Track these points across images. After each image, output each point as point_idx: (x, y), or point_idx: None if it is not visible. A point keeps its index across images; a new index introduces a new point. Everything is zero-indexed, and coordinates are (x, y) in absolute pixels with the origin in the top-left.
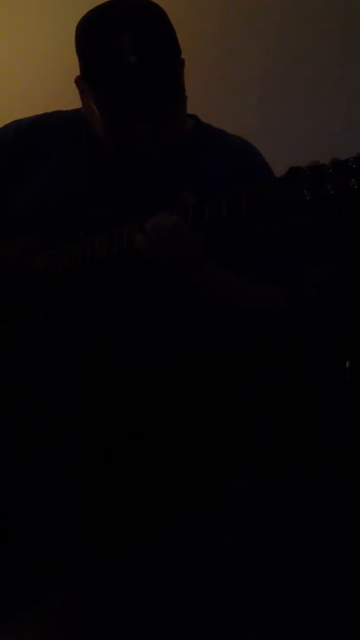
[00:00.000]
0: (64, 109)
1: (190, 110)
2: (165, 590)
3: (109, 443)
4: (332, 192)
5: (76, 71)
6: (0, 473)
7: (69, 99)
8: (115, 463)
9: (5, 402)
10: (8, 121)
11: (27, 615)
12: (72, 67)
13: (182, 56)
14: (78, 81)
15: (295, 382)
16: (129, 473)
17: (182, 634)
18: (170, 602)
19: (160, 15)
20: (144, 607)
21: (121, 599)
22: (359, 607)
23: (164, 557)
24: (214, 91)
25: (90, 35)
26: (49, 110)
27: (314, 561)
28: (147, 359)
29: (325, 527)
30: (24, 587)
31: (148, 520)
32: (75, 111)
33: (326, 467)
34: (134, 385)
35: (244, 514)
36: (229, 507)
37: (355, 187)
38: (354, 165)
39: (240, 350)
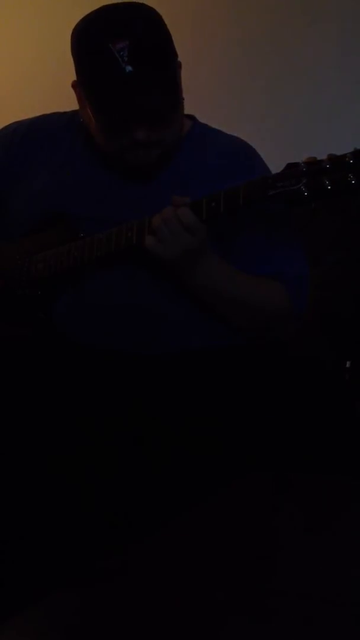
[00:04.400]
0: (62, 110)
1: (189, 110)
2: (165, 590)
3: (110, 443)
4: (329, 187)
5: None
6: (1, 473)
7: (68, 100)
8: (116, 462)
9: (7, 401)
10: (7, 123)
11: (27, 615)
12: (71, 68)
13: (178, 59)
14: (75, 85)
15: (296, 382)
16: (130, 472)
17: (182, 633)
18: (170, 602)
19: (156, 21)
20: (144, 607)
21: (121, 598)
22: (359, 606)
23: (164, 557)
24: (212, 90)
25: (85, 42)
26: (48, 111)
27: (315, 561)
28: (147, 358)
29: (325, 527)
30: (24, 587)
31: (149, 519)
32: (74, 112)
33: (326, 467)
34: (135, 385)
35: (244, 513)
36: (229, 507)
37: (353, 181)
38: (351, 161)
39: (241, 350)
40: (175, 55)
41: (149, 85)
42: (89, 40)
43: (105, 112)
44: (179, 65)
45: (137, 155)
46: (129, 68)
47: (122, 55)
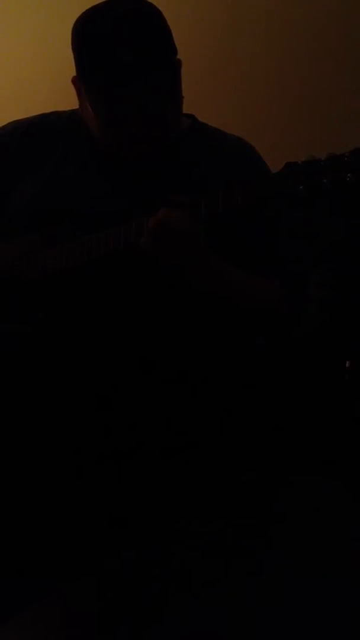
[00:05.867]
0: (61, 109)
1: (189, 109)
2: (165, 589)
3: (108, 444)
4: (328, 186)
5: (74, 71)
6: (0, 473)
7: (67, 100)
8: (116, 464)
9: (5, 402)
10: (5, 122)
11: (27, 615)
12: (70, 67)
13: (179, 57)
14: (75, 81)
15: (296, 382)
16: (130, 473)
17: (181, 632)
18: (169, 601)
19: (156, 16)
20: (144, 607)
21: (121, 599)
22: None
23: (164, 556)
24: (212, 90)
25: (86, 34)
26: (47, 111)
27: (314, 562)
28: (147, 359)
29: (325, 528)
30: (24, 587)
31: (148, 521)
32: (72, 112)
33: (326, 468)
34: (134, 385)
35: (242, 515)
36: (229, 507)
37: (352, 181)
38: (350, 160)
39: (241, 351)
40: (174, 50)
41: (147, 76)
42: (89, 30)
43: (103, 103)
44: (180, 63)
45: (135, 150)
46: (127, 59)
47: (121, 46)
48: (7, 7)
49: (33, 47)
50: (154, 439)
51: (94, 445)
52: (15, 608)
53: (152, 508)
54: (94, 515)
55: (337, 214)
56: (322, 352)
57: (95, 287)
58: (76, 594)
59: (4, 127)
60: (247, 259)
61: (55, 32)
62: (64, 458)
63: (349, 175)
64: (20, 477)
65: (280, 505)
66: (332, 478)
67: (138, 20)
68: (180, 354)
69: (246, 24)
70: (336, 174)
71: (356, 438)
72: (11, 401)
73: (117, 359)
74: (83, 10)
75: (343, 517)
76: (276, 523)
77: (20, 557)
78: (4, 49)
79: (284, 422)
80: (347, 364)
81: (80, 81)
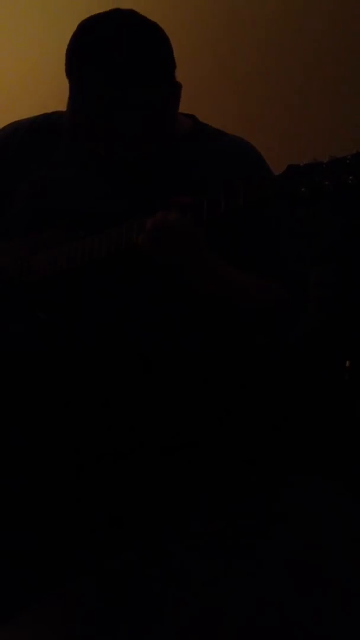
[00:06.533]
0: (62, 109)
1: (190, 110)
2: (164, 590)
3: (108, 444)
4: (330, 188)
5: None
6: (1, 473)
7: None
8: (116, 464)
9: (5, 402)
10: (7, 122)
11: (27, 615)
12: None
13: (180, 81)
14: None
15: (296, 382)
16: (130, 474)
17: (182, 633)
18: (169, 602)
19: (154, 27)
20: (144, 607)
21: (121, 599)
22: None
23: (163, 557)
24: (214, 92)
25: (82, 42)
26: (48, 111)
27: (314, 562)
28: (147, 359)
29: (325, 528)
30: (24, 587)
31: (148, 521)
32: None
33: (326, 468)
34: (134, 386)
35: (242, 516)
36: (228, 508)
37: (353, 183)
38: (352, 162)
39: (241, 351)
40: (173, 62)
41: (141, 74)
42: (86, 38)
43: (95, 103)
44: (180, 85)
45: (133, 150)
46: (121, 58)
47: (118, 50)
48: (7, 7)
49: (33, 47)
50: (154, 439)
51: (94, 445)
52: (15, 608)
53: (152, 508)
54: (93, 515)
55: (338, 214)
56: (322, 352)
57: (96, 287)
58: (76, 594)
59: (6, 127)
60: (248, 258)
61: (55, 32)
62: (64, 457)
63: (350, 177)
64: (20, 476)
65: (280, 505)
66: (332, 478)
67: (137, 31)
68: (180, 354)
69: (248, 25)
70: (338, 176)
71: (356, 438)
72: (11, 401)
73: (118, 358)
74: (83, 11)
75: (343, 517)
76: (276, 523)
77: (21, 557)
78: (4, 49)
79: (284, 422)
80: (347, 364)
81: (71, 80)
